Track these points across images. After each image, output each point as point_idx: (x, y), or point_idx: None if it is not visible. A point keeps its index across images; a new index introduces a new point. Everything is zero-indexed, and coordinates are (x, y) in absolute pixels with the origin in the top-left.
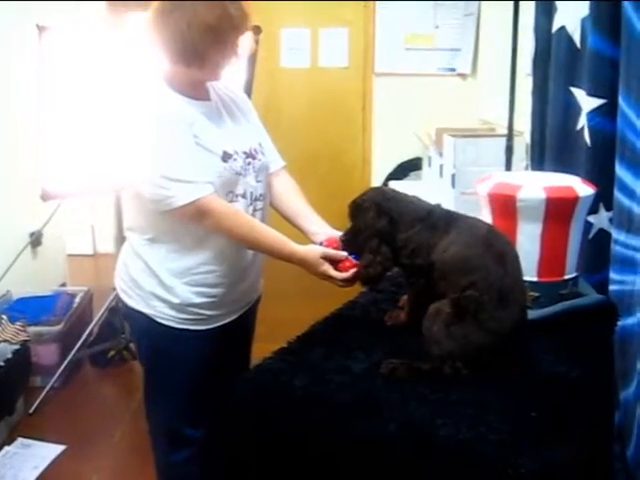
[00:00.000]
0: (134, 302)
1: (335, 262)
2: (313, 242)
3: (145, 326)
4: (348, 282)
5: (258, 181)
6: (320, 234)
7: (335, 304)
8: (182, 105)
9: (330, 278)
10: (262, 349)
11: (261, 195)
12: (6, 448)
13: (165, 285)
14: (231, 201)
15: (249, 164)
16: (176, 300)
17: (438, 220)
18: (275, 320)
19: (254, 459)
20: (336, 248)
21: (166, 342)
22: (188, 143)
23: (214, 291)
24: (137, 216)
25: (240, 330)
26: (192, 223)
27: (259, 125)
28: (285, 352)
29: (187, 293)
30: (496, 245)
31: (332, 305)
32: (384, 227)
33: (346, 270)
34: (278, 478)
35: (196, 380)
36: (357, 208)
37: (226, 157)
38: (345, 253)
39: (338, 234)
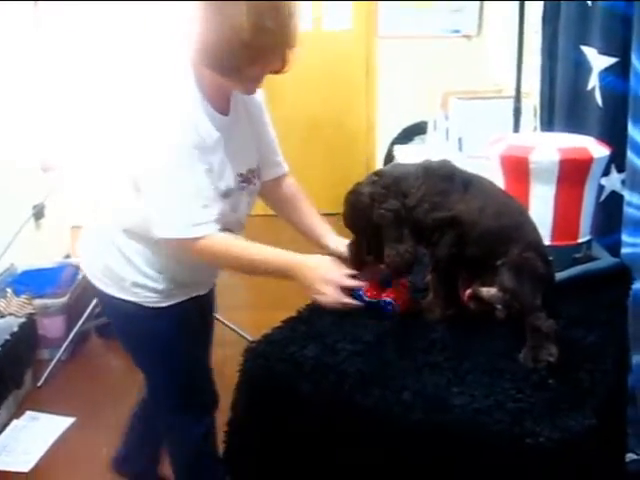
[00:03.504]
0: (114, 290)
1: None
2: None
3: (128, 311)
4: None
5: (248, 204)
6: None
7: None
8: (206, 123)
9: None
10: (269, 317)
11: (245, 219)
12: (15, 421)
13: (145, 273)
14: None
15: (243, 189)
16: (159, 286)
17: (443, 171)
18: (281, 287)
19: (265, 430)
20: (376, 295)
21: (153, 321)
22: (203, 176)
23: (187, 280)
24: (119, 205)
25: (208, 300)
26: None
27: (265, 130)
28: (295, 321)
29: (162, 280)
30: (515, 200)
31: None
32: (395, 207)
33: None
34: (290, 449)
35: (190, 350)
36: (354, 212)
37: (227, 194)
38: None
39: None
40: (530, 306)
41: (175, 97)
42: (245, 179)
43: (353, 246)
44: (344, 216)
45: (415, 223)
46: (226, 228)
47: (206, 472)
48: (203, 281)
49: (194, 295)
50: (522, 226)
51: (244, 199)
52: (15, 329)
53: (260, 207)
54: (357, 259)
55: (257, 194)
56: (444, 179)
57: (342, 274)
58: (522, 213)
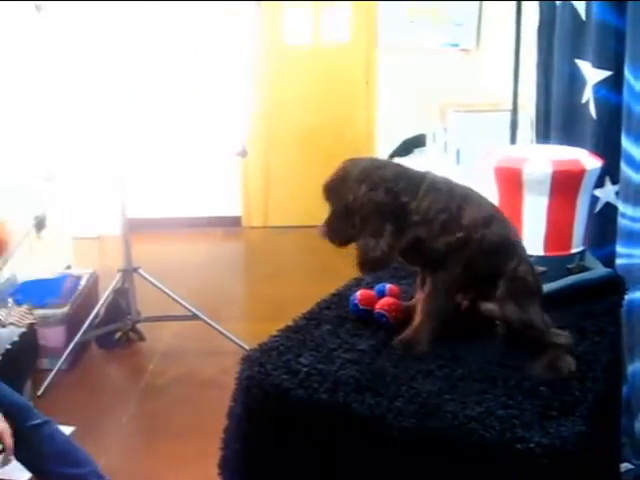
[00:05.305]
0: None
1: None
2: None
3: None
4: None
5: None
6: None
7: (340, 281)
8: None
9: None
10: (268, 327)
11: None
12: None
13: None
14: None
15: None
16: None
17: (445, 185)
18: (280, 298)
19: (260, 437)
20: (369, 303)
21: None
22: None
23: None
24: None
25: None
26: None
27: None
28: (290, 330)
29: None
30: (501, 211)
31: (337, 282)
32: (383, 200)
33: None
34: (285, 455)
35: None
36: (341, 183)
37: None
38: None
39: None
40: (543, 327)
41: None
42: None
43: (332, 221)
44: (330, 181)
45: (418, 241)
46: None
47: None
48: None
49: None
50: (514, 239)
51: None
52: (16, 339)
53: (257, 219)
54: (337, 235)
55: None
56: (445, 193)
57: None
58: (511, 225)
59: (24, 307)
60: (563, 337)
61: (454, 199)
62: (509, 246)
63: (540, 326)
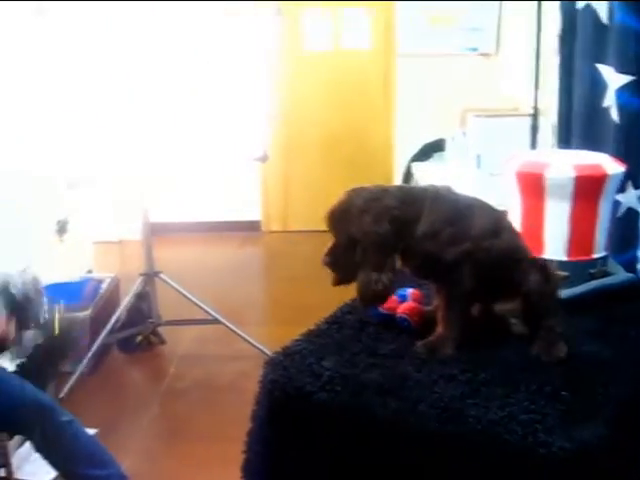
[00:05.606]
0: None
1: None
2: None
3: None
4: None
5: None
6: None
7: None
8: None
9: None
10: (290, 332)
11: None
12: None
13: None
14: None
15: None
16: None
17: (450, 196)
18: (300, 303)
19: (283, 440)
20: (392, 308)
21: None
22: None
23: None
24: None
25: None
26: None
27: None
28: (313, 334)
29: None
30: (506, 216)
31: None
32: (387, 231)
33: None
34: (308, 458)
35: None
36: (345, 214)
37: None
38: None
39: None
40: (554, 309)
41: None
42: None
43: (335, 252)
44: (333, 211)
45: (426, 256)
46: None
47: None
48: None
49: None
50: (522, 246)
51: None
52: (39, 342)
53: (276, 224)
54: (340, 266)
55: None
56: (450, 205)
57: None
58: (518, 233)
59: None
60: (558, 323)
61: (460, 210)
62: (519, 254)
63: (551, 305)
